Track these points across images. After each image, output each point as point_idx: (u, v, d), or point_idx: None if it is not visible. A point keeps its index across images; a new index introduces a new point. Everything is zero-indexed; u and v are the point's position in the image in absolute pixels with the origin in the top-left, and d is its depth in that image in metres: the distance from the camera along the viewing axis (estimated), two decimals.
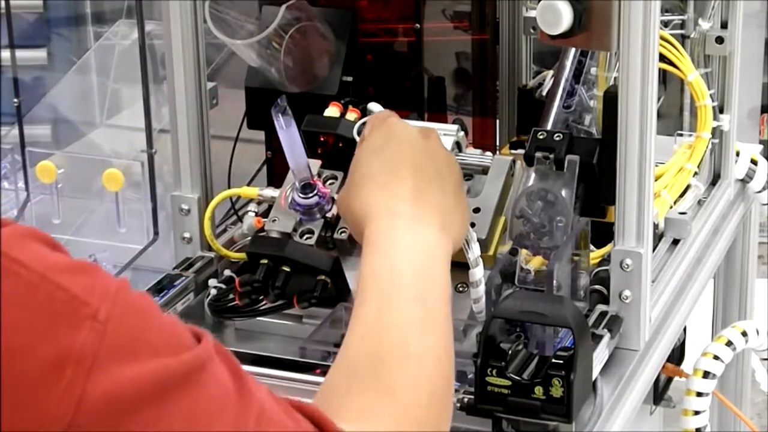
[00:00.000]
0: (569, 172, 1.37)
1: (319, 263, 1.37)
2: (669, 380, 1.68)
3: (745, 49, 1.70)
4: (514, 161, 1.44)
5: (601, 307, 1.36)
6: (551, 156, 1.36)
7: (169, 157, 1.54)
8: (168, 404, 0.75)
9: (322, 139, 1.49)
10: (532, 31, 1.73)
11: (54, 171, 1.99)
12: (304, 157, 1.40)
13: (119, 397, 0.72)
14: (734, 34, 1.65)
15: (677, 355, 1.69)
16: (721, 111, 1.66)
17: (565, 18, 1.30)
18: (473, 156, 1.45)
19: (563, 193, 1.35)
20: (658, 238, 1.52)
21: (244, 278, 1.38)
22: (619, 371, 1.33)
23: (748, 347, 1.69)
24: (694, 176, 1.59)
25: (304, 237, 1.43)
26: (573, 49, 1.52)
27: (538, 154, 1.37)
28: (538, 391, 1.19)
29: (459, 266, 1.36)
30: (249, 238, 1.47)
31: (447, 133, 1.44)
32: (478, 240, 1.35)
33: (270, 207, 1.47)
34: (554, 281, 1.29)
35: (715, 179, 1.72)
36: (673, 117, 1.74)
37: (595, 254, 1.44)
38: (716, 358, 1.62)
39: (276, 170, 1.68)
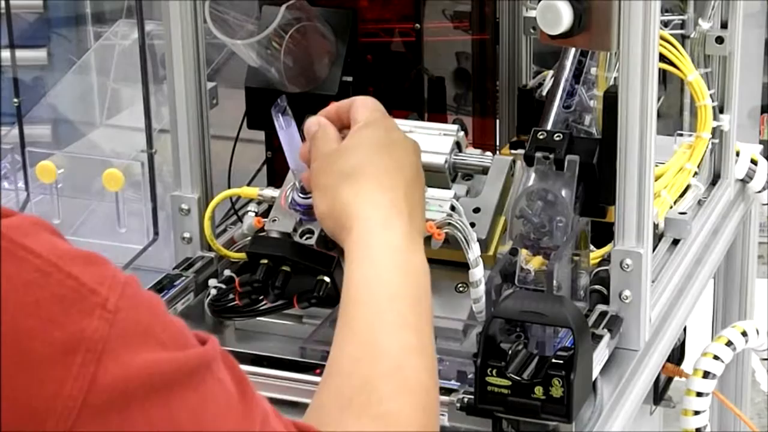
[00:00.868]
0: (569, 172, 1.37)
1: (319, 263, 1.37)
2: (669, 380, 1.68)
3: (745, 49, 1.70)
4: (514, 161, 1.44)
5: (601, 307, 1.36)
6: (551, 156, 1.36)
7: (169, 157, 1.54)
8: (175, 398, 0.75)
9: None
10: (532, 31, 1.73)
11: (54, 171, 1.99)
12: None
13: (128, 385, 0.73)
14: (734, 34, 1.65)
15: (677, 355, 1.69)
16: (721, 111, 1.66)
17: (565, 18, 1.30)
18: (473, 156, 1.45)
19: (563, 193, 1.35)
20: (658, 238, 1.52)
21: (244, 278, 1.38)
22: (619, 371, 1.33)
23: (748, 347, 1.69)
24: (694, 176, 1.59)
25: (304, 237, 1.43)
26: (573, 49, 1.52)
27: (538, 154, 1.37)
28: (538, 391, 1.19)
29: (459, 266, 1.37)
30: (249, 238, 1.46)
31: (447, 133, 1.44)
32: (478, 240, 1.35)
33: (270, 207, 1.47)
34: (554, 281, 1.29)
35: (715, 179, 1.72)
36: (673, 117, 1.74)
37: (595, 254, 1.44)
38: (716, 358, 1.62)
39: (276, 170, 1.68)
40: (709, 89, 1.60)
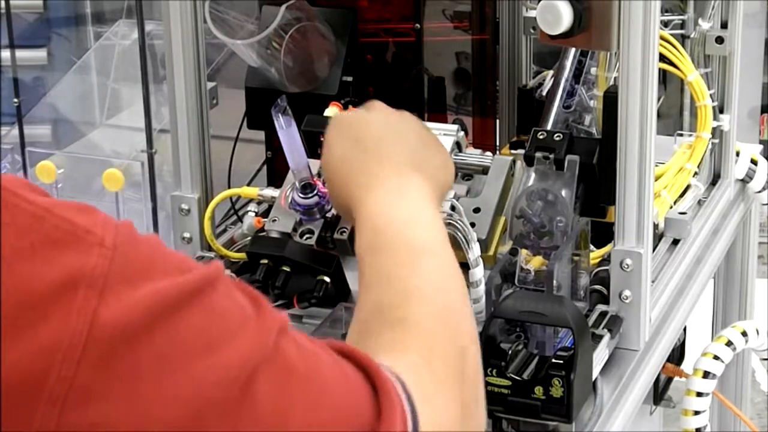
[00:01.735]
0: (569, 172, 1.37)
1: (319, 263, 1.37)
2: (669, 380, 1.68)
3: (745, 49, 1.70)
4: (514, 161, 1.44)
5: (601, 307, 1.36)
6: (551, 156, 1.37)
7: (169, 157, 1.54)
8: (180, 320, 0.75)
9: (322, 139, 1.49)
10: (532, 31, 1.73)
11: (54, 171, 1.99)
12: (304, 157, 1.39)
13: (132, 317, 0.72)
14: (734, 34, 1.65)
15: (677, 355, 1.69)
16: (721, 111, 1.66)
17: (565, 18, 1.30)
18: (473, 156, 1.45)
19: (563, 193, 1.35)
20: (658, 238, 1.52)
21: (244, 278, 1.38)
22: (619, 371, 1.33)
23: (748, 347, 1.69)
24: (694, 176, 1.59)
25: (304, 237, 1.43)
26: (573, 49, 1.52)
27: (538, 154, 1.37)
28: (538, 391, 1.19)
29: (459, 266, 1.37)
30: (249, 238, 1.47)
31: (447, 133, 1.44)
32: (478, 240, 1.35)
33: (270, 207, 1.47)
34: (554, 281, 1.29)
35: (715, 179, 1.72)
36: (673, 117, 1.74)
37: (595, 254, 1.44)
38: (716, 358, 1.62)
39: (276, 170, 1.68)
40: (709, 89, 1.60)
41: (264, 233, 1.45)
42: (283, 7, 1.50)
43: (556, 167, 1.37)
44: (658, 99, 1.35)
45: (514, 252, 1.34)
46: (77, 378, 0.71)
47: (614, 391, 1.30)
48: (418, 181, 1.12)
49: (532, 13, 1.70)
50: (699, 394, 1.61)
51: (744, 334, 1.66)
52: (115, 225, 0.75)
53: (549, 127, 1.48)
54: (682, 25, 1.64)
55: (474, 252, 1.33)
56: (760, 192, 1.80)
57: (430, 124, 1.46)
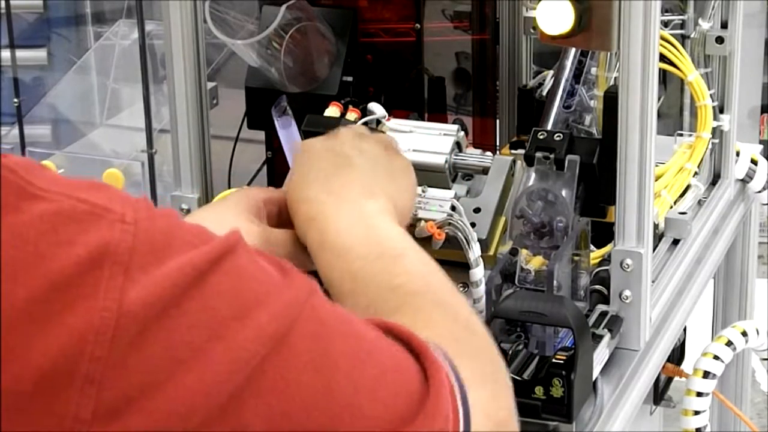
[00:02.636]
0: (569, 172, 1.37)
1: None
2: (669, 380, 1.68)
3: (745, 49, 1.70)
4: (514, 161, 1.44)
5: (601, 307, 1.36)
6: (551, 156, 1.36)
7: (169, 157, 1.54)
8: (207, 287, 0.74)
9: None
10: (532, 31, 1.73)
11: (54, 171, 1.99)
12: None
13: (161, 294, 0.72)
14: (734, 34, 1.65)
15: (677, 355, 1.69)
16: (721, 111, 1.66)
17: (565, 18, 1.30)
18: (473, 156, 1.45)
19: (563, 193, 1.35)
20: (658, 238, 1.52)
21: None
22: (619, 371, 1.33)
23: (748, 347, 1.69)
24: (694, 176, 1.59)
25: None
26: (573, 49, 1.52)
27: (538, 154, 1.37)
28: (539, 391, 1.19)
29: (459, 266, 1.36)
30: None
31: (447, 133, 1.44)
32: (479, 240, 1.35)
33: None
34: (554, 281, 1.29)
35: (715, 179, 1.72)
36: (673, 117, 1.74)
37: (595, 254, 1.44)
38: (716, 358, 1.62)
39: (276, 170, 1.68)
40: (709, 89, 1.60)
41: None
42: (283, 7, 1.50)
43: (556, 167, 1.37)
44: (658, 99, 1.35)
45: (514, 252, 1.34)
46: (111, 357, 0.70)
47: (614, 391, 1.30)
48: (373, 205, 1.11)
49: (532, 13, 1.70)
50: (699, 394, 1.61)
51: (744, 334, 1.66)
52: (134, 201, 0.75)
53: (549, 127, 1.48)
54: (682, 25, 1.64)
55: (474, 252, 1.33)
56: (760, 192, 1.80)
57: (430, 124, 1.46)
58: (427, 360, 0.83)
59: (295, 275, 0.81)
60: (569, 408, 1.18)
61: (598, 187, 1.39)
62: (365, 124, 1.47)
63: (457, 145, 1.44)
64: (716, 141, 1.67)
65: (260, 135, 1.69)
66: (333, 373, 0.78)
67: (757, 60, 3.42)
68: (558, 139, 1.37)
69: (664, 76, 1.64)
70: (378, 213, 1.10)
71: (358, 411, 0.78)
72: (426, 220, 1.34)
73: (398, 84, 1.69)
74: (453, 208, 1.36)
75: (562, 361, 1.19)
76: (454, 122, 1.71)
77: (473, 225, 1.36)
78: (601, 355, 1.29)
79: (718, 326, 1.86)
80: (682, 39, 1.63)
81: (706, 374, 1.61)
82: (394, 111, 1.52)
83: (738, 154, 1.75)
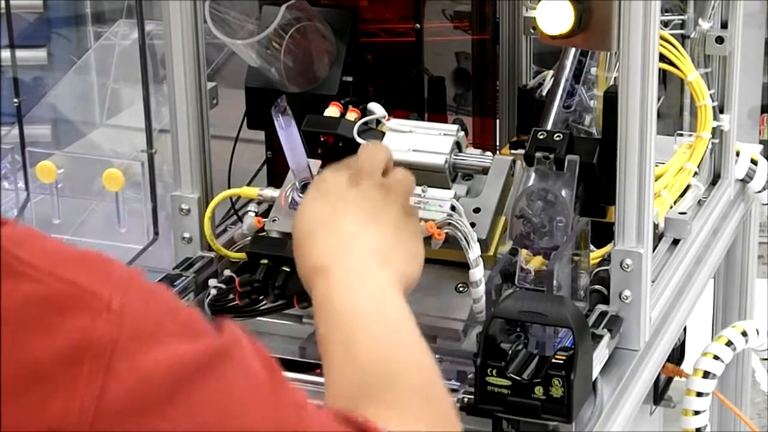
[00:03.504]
0: (569, 172, 1.37)
1: None
2: (669, 380, 1.68)
3: (745, 49, 1.70)
4: (514, 161, 1.44)
5: (601, 307, 1.36)
6: (551, 156, 1.36)
7: (169, 157, 1.54)
8: (196, 392, 0.72)
9: (322, 139, 1.49)
10: (532, 31, 1.73)
11: (54, 171, 1.99)
12: (304, 157, 1.40)
13: (144, 388, 0.70)
14: (734, 34, 1.65)
15: (677, 355, 1.69)
16: (721, 111, 1.66)
17: (565, 18, 1.30)
18: (473, 156, 1.45)
19: (563, 193, 1.35)
20: (658, 238, 1.52)
21: (244, 278, 1.38)
22: (619, 371, 1.33)
23: (748, 347, 1.69)
24: (694, 176, 1.59)
25: None
26: (573, 49, 1.52)
27: (538, 154, 1.37)
28: (538, 391, 1.19)
29: (459, 266, 1.37)
30: (249, 238, 1.46)
31: (447, 133, 1.44)
32: (478, 240, 1.35)
33: (270, 207, 1.47)
34: (554, 281, 1.29)
35: (715, 179, 1.72)
36: (673, 117, 1.74)
37: (595, 254, 1.44)
38: (716, 358, 1.62)
39: (276, 170, 1.68)
40: (709, 89, 1.60)
41: (264, 233, 1.45)
42: (283, 7, 1.50)
43: (556, 167, 1.37)
44: (658, 99, 1.35)
45: (514, 252, 1.34)
46: None
47: (614, 391, 1.30)
48: (384, 273, 1.09)
49: (532, 13, 1.70)
50: (699, 394, 1.61)
51: (744, 334, 1.66)
52: (126, 279, 0.72)
53: (549, 127, 1.48)
54: (682, 25, 1.64)
55: (474, 252, 1.33)
56: (760, 192, 1.80)
57: (430, 124, 1.47)
58: None
59: (281, 383, 0.79)
60: (569, 408, 1.18)
61: (598, 187, 1.39)
62: (365, 124, 1.48)
63: (457, 145, 1.44)
64: (716, 141, 1.67)
65: (260, 135, 1.69)
66: None
67: (757, 60, 3.42)
68: (558, 139, 1.37)
69: (664, 76, 1.64)
70: (389, 285, 1.08)
71: None
72: (426, 220, 1.34)
73: (398, 84, 1.69)
74: (453, 208, 1.36)
75: (561, 361, 1.19)
76: (454, 122, 1.71)
77: (473, 225, 1.36)
78: (600, 355, 1.29)
79: (718, 326, 1.86)
80: (682, 39, 1.63)
81: (706, 374, 1.61)
82: (394, 111, 1.52)
83: (738, 154, 1.75)
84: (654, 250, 1.45)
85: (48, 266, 0.71)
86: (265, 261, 1.37)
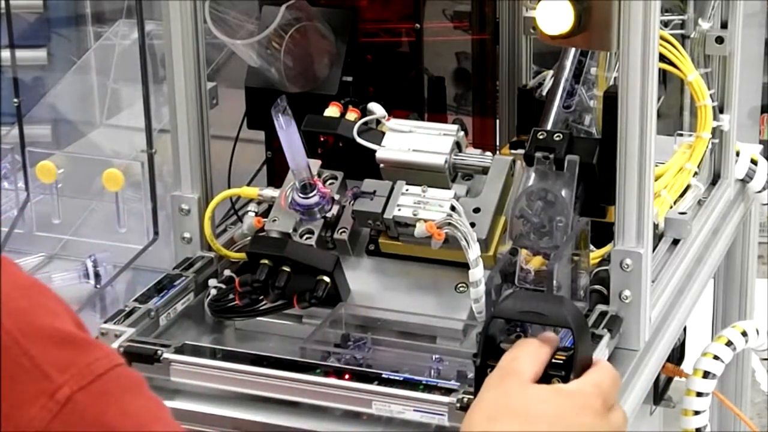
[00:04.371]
0: (569, 172, 1.37)
1: (319, 263, 1.37)
2: (669, 380, 1.68)
3: (745, 49, 1.70)
4: (514, 161, 1.44)
5: (601, 307, 1.36)
6: (551, 156, 1.36)
7: (169, 157, 1.54)
8: None
9: (322, 139, 1.50)
10: (532, 31, 1.73)
11: (54, 171, 1.99)
12: (304, 157, 1.40)
13: None
14: (734, 34, 1.65)
15: (677, 355, 1.69)
16: (721, 111, 1.66)
17: (565, 18, 1.30)
18: (473, 156, 1.45)
19: (563, 193, 1.35)
20: (658, 238, 1.52)
21: (244, 278, 1.38)
22: (619, 371, 1.32)
23: (748, 347, 1.69)
24: (694, 176, 1.59)
25: (304, 237, 1.43)
26: (573, 49, 1.52)
27: (538, 154, 1.37)
28: None
29: (459, 266, 1.37)
30: (249, 238, 1.47)
31: (447, 133, 1.44)
32: (478, 240, 1.35)
33: (270, 207, 1.47)
34: (554, 281, 1.29)
35: (715, 179, 1.72)
36: (673, 117, 1.74)
37: (595, 254, 1.44)
38: (716, 358, 1.62)
39: (276, 170, 1.68)
40: (709, 89, 1.60)
41: (264, 233, 1.45)
42: (283, 7, 1.50)
43: (556, 167, 1.37)
44: (658, 99, 1.35)
45: (514, 252, 1.34)
46: None
47: None
48: None
49: (532, 13, 1.70)
50: (699, 394, 1.61)
51: (744, 334, 1.66)
52: (96, 375, 0.69)
53: (549, 127, 1.48)
54: (682, 25, 1.64)
55: (474, 252, 1.33)
56: (760, 192, 1.80)
57: (430, 124, 1.47)
58: None
59: None
60: None
61: (598, 187, 1.39)
62: (365, 123, 1.48)
63: (457, 145, 1.44)
64: (716, 141, 1.67)
65: (260, 135, 1.69)
66: None
67: (757, 60, 3.41)
68: (558, 139, 1.37)
69: (664, 76, 1.64)
70: None
71: None
72: (426, 220, 1.34)
73: (398, 84, 1.69)
74: (453, 208, 1.36)
75: (561, 361, 1.18)
76: (454, 122, 1.71)
77: (473, 225, 1.36)
78: (600, 355, 1.29)
79: (718, 326, 1.86)
80: (682, 39, 1.63)
81: (706, 374, 1.61)
82: (394, 111, 1.52)
83: (738, 154, 1.75)
84: (654, 250, 1.45)
85: (17, 332, 0.68)
86: (265, 261, 1.37)
